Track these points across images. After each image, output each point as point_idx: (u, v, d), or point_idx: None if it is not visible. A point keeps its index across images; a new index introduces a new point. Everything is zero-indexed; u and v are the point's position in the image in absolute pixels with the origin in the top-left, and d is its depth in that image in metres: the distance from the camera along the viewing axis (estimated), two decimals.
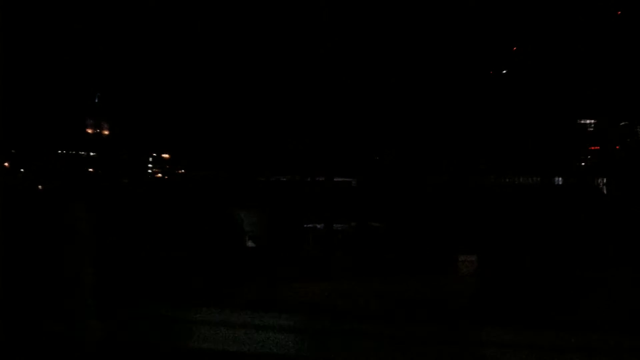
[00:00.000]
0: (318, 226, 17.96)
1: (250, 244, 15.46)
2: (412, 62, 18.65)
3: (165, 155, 33.72)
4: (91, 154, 29.35)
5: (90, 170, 29.93)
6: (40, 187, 28.64)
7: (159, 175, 31.75)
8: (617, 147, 17.83)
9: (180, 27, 25.22)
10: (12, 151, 28.79)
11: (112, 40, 27.20)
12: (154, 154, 31.91)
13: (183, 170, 30.36)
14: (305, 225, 17.72)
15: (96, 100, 30.49)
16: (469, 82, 18.78)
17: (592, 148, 18.00)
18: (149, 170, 31.67)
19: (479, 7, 19.97)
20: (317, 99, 18.88)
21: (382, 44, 18.89)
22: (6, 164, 28.66)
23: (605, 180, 15.33)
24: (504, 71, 18.63)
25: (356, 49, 19.62)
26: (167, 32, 23.00)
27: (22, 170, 29.09)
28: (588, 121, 17.46)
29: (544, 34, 19.29)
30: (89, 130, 30.02)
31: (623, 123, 17.50)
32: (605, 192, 15.23)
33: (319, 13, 18.87)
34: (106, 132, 30.97)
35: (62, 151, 30.11)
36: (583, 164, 16.58)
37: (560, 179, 16.08)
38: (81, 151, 29.91)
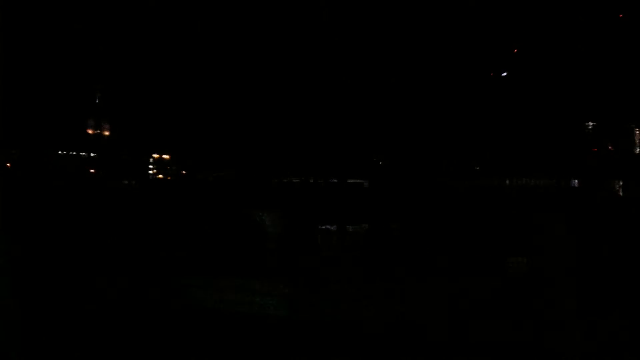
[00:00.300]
0: (331, 227, 18.02)
1: (270, 245, 15.50)
2: (428, 65, 18.77)
3: (166, 156, 33.65)
4: (99, 155, 29.09)
5: (92, 170, 29.74)
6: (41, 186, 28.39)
7: (160, 176, 31.66)
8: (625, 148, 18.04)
9: (186, 26, 25.14)
10: (13, 151, 28.58)
11: (115, 40, 27.03)
12: (155, 155, 31.80)
13: (184, 172, 30.30)
14: (319, 227, 17.76)
15: (97, 101, 30.31)
16: (489, 84, 18.95)
17: (597, 149, 18.19)
18: (150, 172, 31.53)
19: (480, 9, 20.16)
20: (331, 100, 18.94)
21: (396, 50, 19.00)
22: (8, 164, 28.47)
23: (621, 183, 15.58)
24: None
25: (366, 53, 19.71)
26: (176, 31, 22.90)
27: (22, 170, 28.91)
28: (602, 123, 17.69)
29: (545, 35, 19.47)
30: (90, 131, 29.81)
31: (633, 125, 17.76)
32: (621, 194, 15.48)
33: (328, 15, 18.93)
34: (107, 133, 30.78)
35: (62, 151, 29.91)
36: (597, 166, 16.80)
37: (576, 181, 16.29)
38: (82, 151, 29.70)
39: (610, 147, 18.24)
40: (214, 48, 21.28)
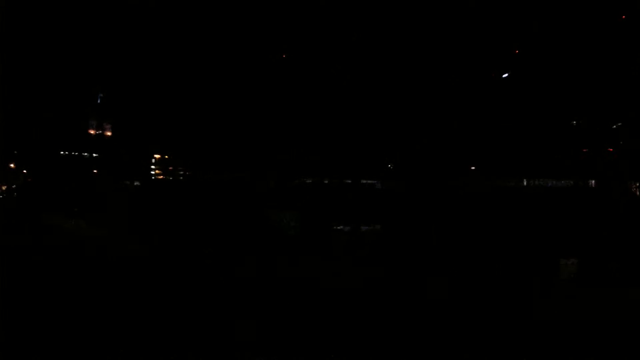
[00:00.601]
0: (345, 228, 18.26)
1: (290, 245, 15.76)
2: (441, 69, 19.05)
3: (167, 157, 33.63)
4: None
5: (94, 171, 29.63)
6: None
7: (161, 176, 31.63)
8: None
9: (193, 27, 25.20)
10: (15, 152, 28.37)
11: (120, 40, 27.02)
12: (157, 156, 31.76)
13: (186, 172, 30.30)
14: (335, 227, 18.00)
15: (99, 101, 30.21)
16: (498, 85, 19.25)
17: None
18: (152, 172, 31.47)
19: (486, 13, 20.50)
20: (344, 100, 19.16)
21: (412, 55, 19.24)
22: (12, 164, 28.30)
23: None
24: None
25: (378, 58, 19.95)
26: (185, 31, 22.95)
27: (24, 171, 28.71)
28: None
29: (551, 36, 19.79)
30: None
31: None
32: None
33: (345, 19, 19.13)
34: (108, 133, 30.68)
35: (64, 152, 29.77)
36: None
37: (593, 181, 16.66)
38: (86, 152, 29.60)
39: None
40: (234, 48, 21.34)
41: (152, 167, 31.49)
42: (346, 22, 20.01)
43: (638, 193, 15.69)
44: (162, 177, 30.85)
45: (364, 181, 19.53)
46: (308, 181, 19.64)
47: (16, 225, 22.90)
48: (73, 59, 28.50)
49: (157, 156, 31.81)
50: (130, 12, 27.36)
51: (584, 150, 18.28)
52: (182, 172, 28.13)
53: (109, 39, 27.45)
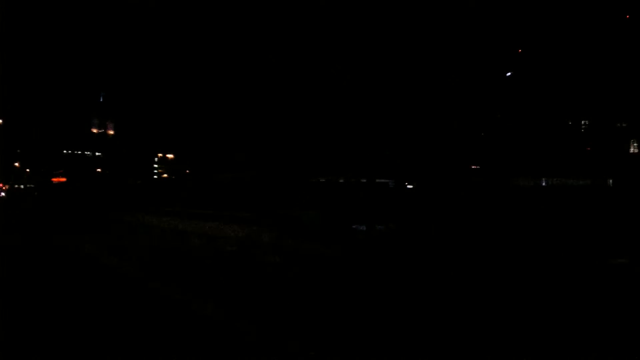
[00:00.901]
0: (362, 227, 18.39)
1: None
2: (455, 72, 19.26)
3: (170, 156, 33.66)
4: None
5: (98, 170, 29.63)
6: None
7: (165, 175, 31.61)
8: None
9: (196, 28, 25.17)
10: (18, 151, 28.24)
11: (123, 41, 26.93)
12: (160, 155, 31.77)
13: (188, 171, 30.34)
14: (352, 227, 18.12)
15: (101, 100, 30.18)
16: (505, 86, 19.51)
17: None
18: (155, 171, 31.52)
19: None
20: (359, 100, 19.30)
21: (414, 56, 19.42)
22: (16, 164, 28.12)
23: None
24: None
25: (380, 58, 20.09)
26: (192, 32, 22.97)
27: (27, 170, 28.54)
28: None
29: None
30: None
31: None
32: None
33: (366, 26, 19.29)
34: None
35: (68, 151, 29.69)
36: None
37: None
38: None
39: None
40: (239, 48, 21.38)
41: (155, 165, 31.52)
42: (346, 22, 20.14)
43: None
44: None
45: (379, 180, 19.67)
46: (322, 180, 19.75)
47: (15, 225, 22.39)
48: (75, 59, 28.43)
49: (159, 155, 31.85)
50: (131, 12, 27.32)
51: (588, 148, 18.61)
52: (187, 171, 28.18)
53: (111, 39, 27.41)
